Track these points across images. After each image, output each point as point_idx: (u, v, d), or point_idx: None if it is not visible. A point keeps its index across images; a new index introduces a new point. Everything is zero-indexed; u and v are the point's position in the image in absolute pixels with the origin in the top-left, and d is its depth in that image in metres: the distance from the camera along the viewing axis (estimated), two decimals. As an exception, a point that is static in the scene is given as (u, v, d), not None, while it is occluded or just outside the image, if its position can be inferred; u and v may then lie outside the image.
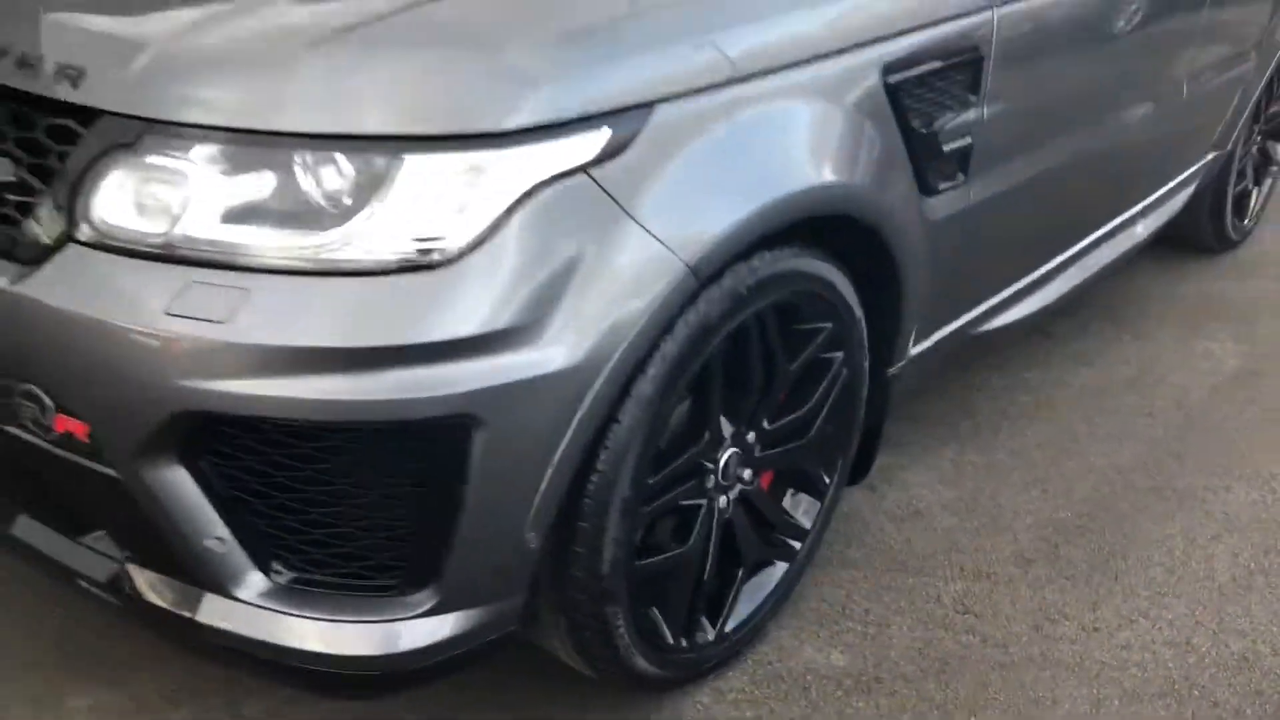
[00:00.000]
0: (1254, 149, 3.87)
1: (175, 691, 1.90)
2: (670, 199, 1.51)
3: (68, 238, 1.43)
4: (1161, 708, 1.97)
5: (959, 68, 1.99)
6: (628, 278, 1.47)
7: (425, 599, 1.50)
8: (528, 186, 1.40)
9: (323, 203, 1.38)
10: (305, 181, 1.38)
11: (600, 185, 1.45)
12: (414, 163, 1.37)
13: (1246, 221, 3.97)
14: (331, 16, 1.49)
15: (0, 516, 1.67)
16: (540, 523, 1.51)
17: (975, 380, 2.96)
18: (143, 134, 1.40)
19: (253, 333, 1.34)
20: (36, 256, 1.44)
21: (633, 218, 1.47)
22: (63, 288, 1.41)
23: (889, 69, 1.83)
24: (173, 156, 1.39)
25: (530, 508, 1.49)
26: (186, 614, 1.52)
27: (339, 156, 1.37)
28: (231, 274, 1.37)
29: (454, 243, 1.37)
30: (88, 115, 1.44)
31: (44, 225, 1.44)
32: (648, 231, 1.48)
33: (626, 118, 1.47)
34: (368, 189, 1.37)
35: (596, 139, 1.44)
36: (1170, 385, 3.05)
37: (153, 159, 1.40)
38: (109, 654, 1.96)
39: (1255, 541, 2.42)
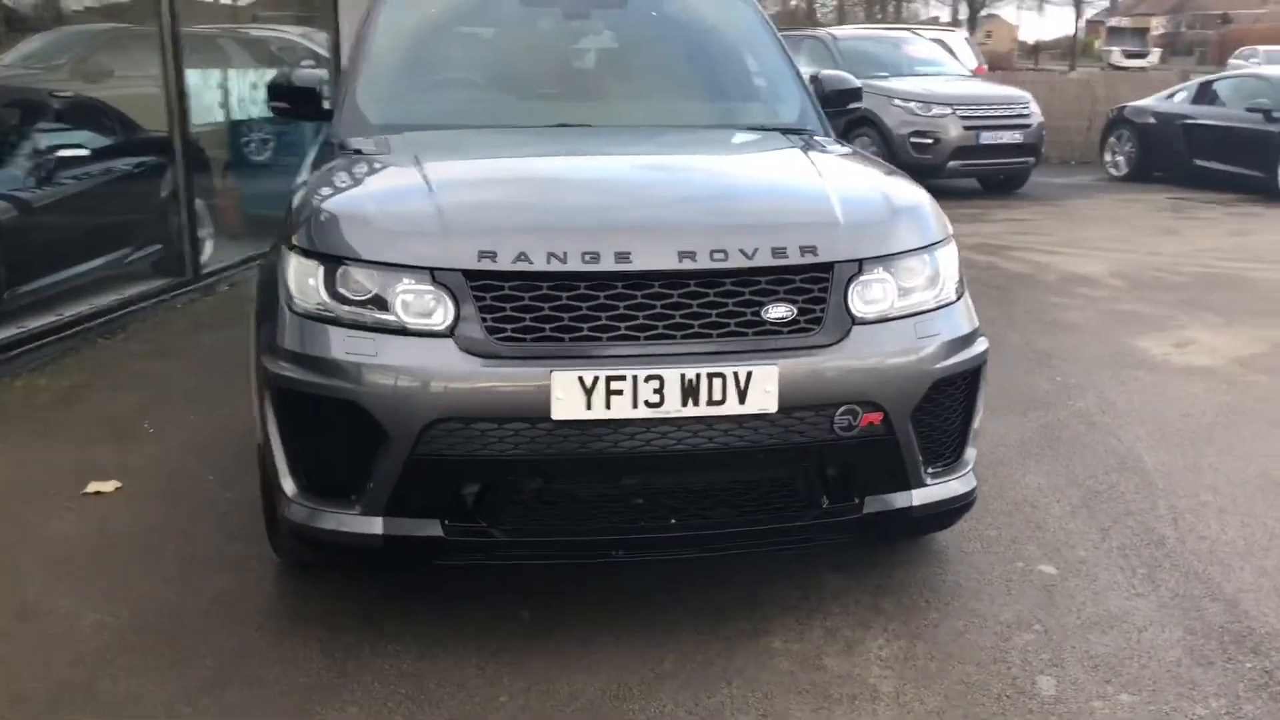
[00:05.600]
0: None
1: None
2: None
3: (851, 324, 2.87)
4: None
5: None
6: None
7: (969, 460, 3.19)
8: (957, 255, 3.22)
9: (922, 280, 3.04)
10: (917, 271, 3.03)
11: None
12: (941, 253, 3.13)
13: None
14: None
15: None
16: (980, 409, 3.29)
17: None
18: (861, 268, 2.94)
19: (942, 336, 3.01)
20: (836, 340, 2.85)
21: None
22: (865, 347, 2.89)
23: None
24: (876, 273, 2.96)
25: (982, 402, 3.27)
26: (903, 505, 3.00)
27: (925, 255, 3.06)
28: (914, 318, 2.98)
29: (956, 290, 3.15)
30: (824, 267, 2.88)
31: (837, 323, 2.85)
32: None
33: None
34: (932, 270, 3.08)
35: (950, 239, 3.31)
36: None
37: (866, 277, 2.94)
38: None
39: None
